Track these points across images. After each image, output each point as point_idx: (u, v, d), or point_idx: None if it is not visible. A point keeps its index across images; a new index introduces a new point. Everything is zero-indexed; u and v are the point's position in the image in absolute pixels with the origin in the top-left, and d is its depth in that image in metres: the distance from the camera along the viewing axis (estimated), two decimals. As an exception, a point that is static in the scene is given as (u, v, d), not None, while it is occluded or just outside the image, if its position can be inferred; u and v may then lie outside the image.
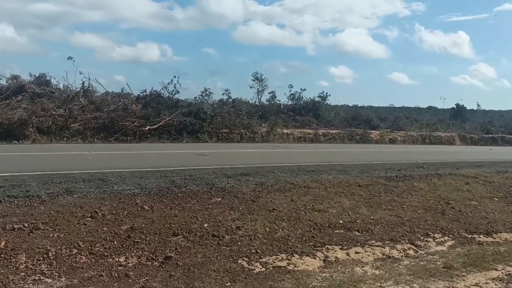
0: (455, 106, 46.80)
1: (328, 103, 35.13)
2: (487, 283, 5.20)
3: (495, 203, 9.59)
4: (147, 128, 21.76)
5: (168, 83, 25.70)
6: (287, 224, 6.95)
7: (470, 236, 7.29)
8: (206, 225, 6.54)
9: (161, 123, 22.26)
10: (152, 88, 26.07)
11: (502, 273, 5.58)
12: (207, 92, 28.78)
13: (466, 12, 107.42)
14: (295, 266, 5.42)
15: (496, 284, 5.16)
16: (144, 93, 25.83)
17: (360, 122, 32.90)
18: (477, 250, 6.61)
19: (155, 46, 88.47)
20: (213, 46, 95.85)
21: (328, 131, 28.86)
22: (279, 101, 33.95)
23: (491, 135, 36.85)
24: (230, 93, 32.10)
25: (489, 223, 8.02)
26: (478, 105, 52.28)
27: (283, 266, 5.37)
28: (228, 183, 9.17)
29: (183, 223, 6.53)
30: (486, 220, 8.22)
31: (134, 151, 16.07)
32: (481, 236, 7.35)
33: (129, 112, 22.70)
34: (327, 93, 35.10)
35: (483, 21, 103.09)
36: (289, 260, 5.61)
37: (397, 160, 16.31)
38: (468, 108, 48.12)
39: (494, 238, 7.29)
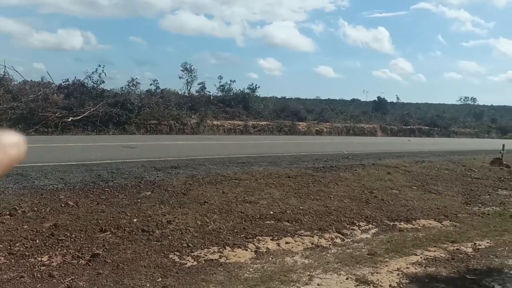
0: (376, 99, 48.97)
1: (258, 95, 35.41)
2: (408, 267, 5.51)
3: (414, 192, 10.19)
4: (70, 119, 20.75)
5: (93, 72, 24.61)
6: (219, 216, 6.95)
7: (392, 223, 7.70)
8: (135, 220, 6.38)
9: (85, 114, 21.31)
10: (76, 77, 24.87)
11: (421, 257, 5.94)
12: (134, 82, 27.92)
13: (387, 9, 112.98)
14: (227, 259, 5.44)
15: (415, 268, 5.49)
16: (67, 83, 24.57)
17: (288, 114, 33.51)
18: (398, 236, 7.00)
19: (78, 33, 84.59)
20: (140, 34, 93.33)
21: (257, 122, 29.14)
22: (209, 92, 33.74)
23: (409, 127, 39.05)
24: (158, 83, 31.34)
25: (408, 211, 8.51)
26: (398, 98, 55.25)
27: (215, 259, 5.37)
28: (157, 176, 8.99)
29: (111, 218, 6.33)
30: (406, 207, 8.72)
31: (56, 143, 15.27)
32: (402, 223, 7.78)
33: (50, 102, 21.51)
34: (256, 85, 35.34)
35: (402, 18, 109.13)
36: (221, 252, 5.62)
37: (324, 151, 16.81)
38: (389, 100, 50.62)
39: (413, 225, 7.75)
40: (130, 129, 22.19)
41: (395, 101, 53.85)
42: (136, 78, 28.54)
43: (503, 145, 16.07)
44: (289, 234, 6.58)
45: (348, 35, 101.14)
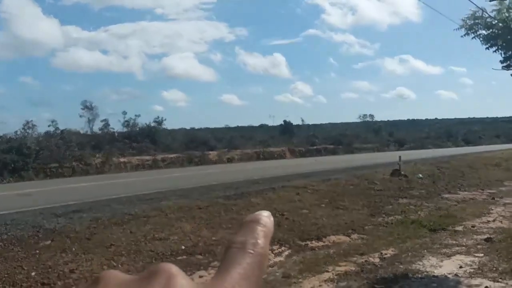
0: (283, 123, 50.64)
1: (165, 128, 35.06)
2: (321, 285, 5.59)
3: (323, 209, 10.49)
4: (-43, 171, 18.92)
5: (-19, 119, 22.86)
6: (127, 258, 6.61)
7: (304, 243, 7.81)
8: (33, 273, 5.86)
9: (-25, 164, 19.57)
10: (-38, 126, 22.93)
11: (333, 274, 6.06)
12: (30, 125, 26.23)
13: (281, 37, 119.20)
14: (137, 302, 5.14)
15: (328, 285, 5.58)
16: (-49, 133, 22.54)
17: (198, 144, 33.41)
18: (311, 255, 7.10)
19: (-40, 80, 78.61)
20: (31, 74, 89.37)
21: (167, 156, 28.63)
22: (113, 129, 32.79)
23: (315, 147, 40.67)
24: (57, 124, 29.76)
25: (319, 229, 8.70)
26: (303, 120, 57.63)
27: (124, 305, 5.05)
28: (58, 223, 8.37)
29: (5, 275, 5.75)
30: (316, 226, 8.92)
31: None
32: (313, 241, 7.93)
33: None
34: (162, 117, 35.02)
35: (295, 45, 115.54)
36: (130, 297, 5.30)
37: (235, 178, 16.85)
38: (295, 123, 52.61)
39: (324, 242, 7.93)
40: (28, 175, 20.69)
41: (300, 123, 56.07)
42: (31, 120, 26.78)
43: (399, 157, 17.22)
44: (202, 267, 6.42)
45: (248, 63, 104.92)
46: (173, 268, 0.34)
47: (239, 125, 59.73)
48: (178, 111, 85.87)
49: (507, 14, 5.63)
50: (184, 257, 6.80)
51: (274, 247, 7.48)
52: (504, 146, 44.60)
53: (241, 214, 9.50)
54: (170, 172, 22.70)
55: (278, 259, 6.97)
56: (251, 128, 59.68)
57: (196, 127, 54.95)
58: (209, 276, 6.05)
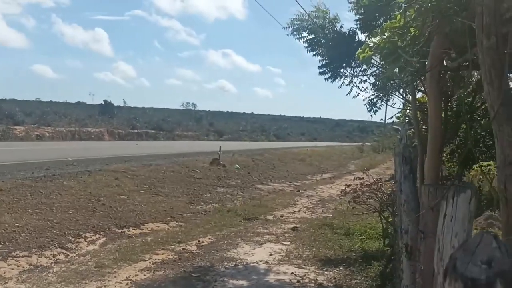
0: (103, 102, 48.20)
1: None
2: (137, 275, 5.41)
3: (142, 195, 10.23)
4: None
5: None
6: None
7: (120, 230, 7.51)
8: None
9: None
10: None
11: (150, 262, 5.93)
12: None
13: (108, 12, 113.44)
14: None
15: (144, 275, 5.43)
16: None
17: (1, 117, 29.62)
18: (127, 243, 6.85)
19: None
20: None
21: (-40, 127, 24.72)
22: None
23: (136, 131, 39.70)
24: None
25: (137, 216, 8.46)
26: (125, 102, 55.77)
27: None
28: None
29: None
30: (135, 213, 8.65)
31: None
32: (131, 229, 7.67)
33: None
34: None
35: (120, 22, 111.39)
36: None
37: (45, 158, 15.36)
38: (116, 104, 50.54)
39: (142, 230, 7.74)
40: None
41: (122, 104, 54.18)
42: None
43: (220, 147, 17.82)
44: (1, 257, 5.65)
45: (66, 34, 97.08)
46: None
47: (53, 100, 54.75)
48: (-21, 77, 74.70)
49: (324, 23, 6.15)
50: (-22, 246, 5.91)
51: (88, 235, 7.03)
52: (308, 144, 49.80)
53: (51, 198, 8.69)
54: (-37, 146, 19.62)
55: (91, 247, 6.57)
56: (66, 104, 55.48)
57: (0, 97, 48.63)
58: (9, 267, 5.37)
